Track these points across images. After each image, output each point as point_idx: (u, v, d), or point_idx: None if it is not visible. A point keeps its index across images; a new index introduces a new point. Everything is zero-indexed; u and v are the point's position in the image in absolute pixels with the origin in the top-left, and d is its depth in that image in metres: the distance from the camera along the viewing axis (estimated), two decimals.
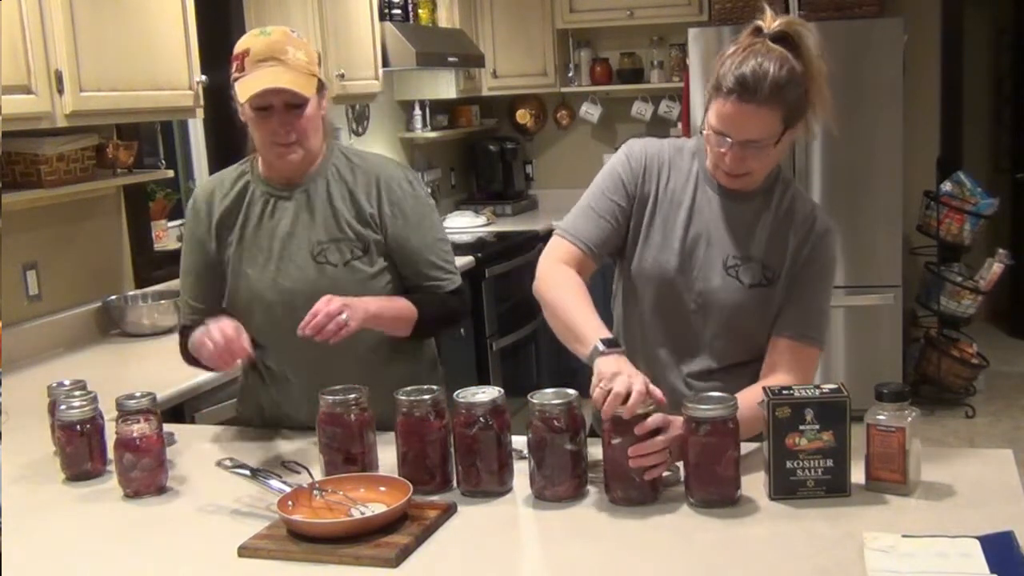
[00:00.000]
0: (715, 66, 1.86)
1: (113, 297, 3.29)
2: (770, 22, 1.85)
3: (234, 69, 2.03)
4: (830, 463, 1.65)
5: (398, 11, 4.64)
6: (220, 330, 1.93)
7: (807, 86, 1.84)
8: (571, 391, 1.73)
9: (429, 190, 2.54)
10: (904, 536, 1.49)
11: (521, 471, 1.77)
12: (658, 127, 5.76)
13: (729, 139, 1.84)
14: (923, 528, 1.54)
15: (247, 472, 1.79)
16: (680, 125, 5.55)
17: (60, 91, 2.62)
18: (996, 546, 1.45)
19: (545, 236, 4.49)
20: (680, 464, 1.70)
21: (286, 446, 2.07)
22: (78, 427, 1.91)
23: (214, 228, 2.16)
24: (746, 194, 1.95)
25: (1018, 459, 1.81)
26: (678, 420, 1.68)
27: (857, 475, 1.69)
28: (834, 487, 1.66)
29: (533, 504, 1.72)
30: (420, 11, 4.91)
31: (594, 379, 1.69)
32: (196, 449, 2.08)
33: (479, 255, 4.47)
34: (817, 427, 1.64)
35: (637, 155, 2.01)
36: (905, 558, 1.43)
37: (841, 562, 1.46)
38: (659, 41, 5.84)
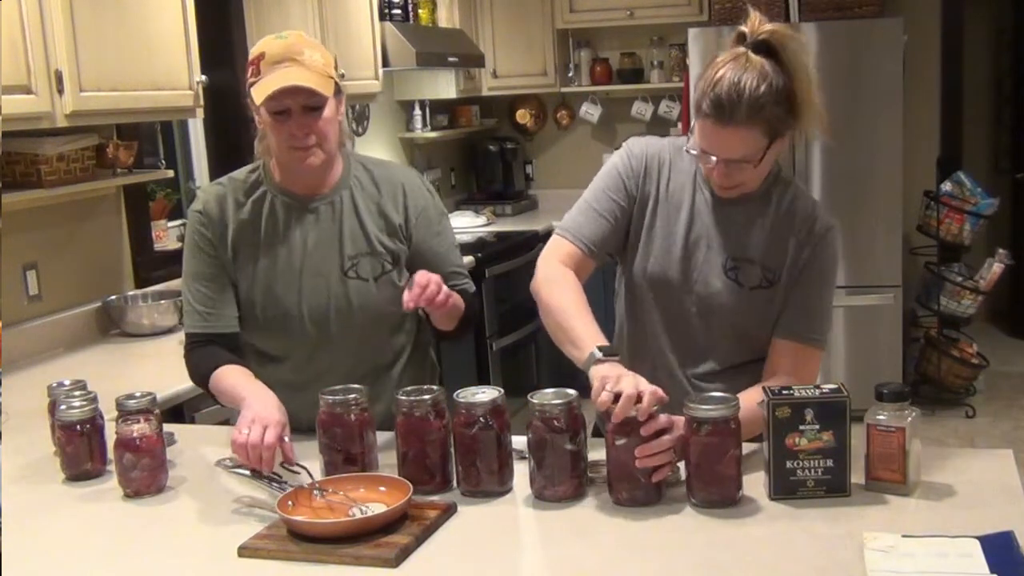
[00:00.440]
0: (698, 81, 1.83)
1: (113, 297, 3.29)
2: (754, 27, 1.81)
3: (249, 74, 1.98)
4: (830, 463, 1.65)
5: (398, 11, 4.64)
6: (261, 426, 1.76)
7: (791, 98, 1.79)
8: (571, 391, 1.73)
9: None
10: (904, 536, 1.49)
11: (521, 471, 1.77)
12: (658, 127, 5.76)
13: (714, 157, 1.84)
14: (923, 528, 1.53)
15: (247, 472, 1.79)
16: (680, 125, 5.56)
17: (60, 91, 2.62)
18: (996, 546, 1.45)
19: (545, 236, 4.49)
20: (681, 464, 1.70)
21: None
22: (78, 427, 1.91)
23: (230, 240, 2.08)
24: (744, 196, 1.94)
25: (1018, 459, 1.80)
26: (682, 420, 1.68)
27: (857, 475, 1.68)
28: (834, 487, 1.66)
29: (533, 504, 1.72)
30: (420, 11, 4.91)
31: (596, 383, 1.68)
32: (196, 449, 2.08)
33: (479, 255, 4.47)
34: (817, 427, 1.64)
35: (638, 154, 2.00)
36: (905, 558, 1.43)
37: (841, 562, 1.45)
38: (659, 41, 5.84)
